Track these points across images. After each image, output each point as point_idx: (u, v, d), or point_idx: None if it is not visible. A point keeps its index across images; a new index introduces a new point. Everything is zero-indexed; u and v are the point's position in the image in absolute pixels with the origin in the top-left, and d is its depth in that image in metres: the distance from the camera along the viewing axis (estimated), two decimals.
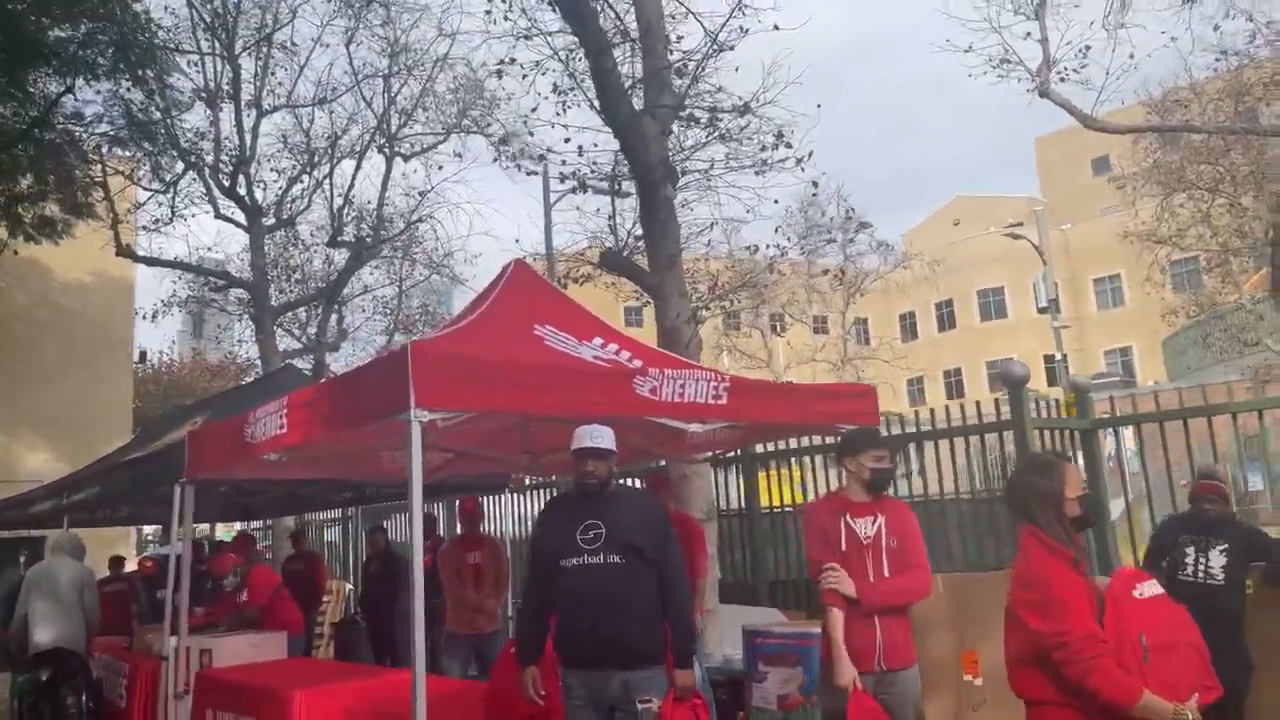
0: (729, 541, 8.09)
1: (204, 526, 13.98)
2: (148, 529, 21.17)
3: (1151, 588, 2.94)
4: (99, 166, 14.26)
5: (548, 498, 9.62)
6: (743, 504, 8.22)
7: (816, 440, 7.33)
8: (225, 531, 15.09)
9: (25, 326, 17.18)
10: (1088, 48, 11.57)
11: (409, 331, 20.31)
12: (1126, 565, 6.58)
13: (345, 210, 15.11)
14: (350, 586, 12.24)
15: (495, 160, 9.03)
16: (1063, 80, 11.53)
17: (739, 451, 7.89)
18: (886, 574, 3.80)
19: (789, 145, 7.05)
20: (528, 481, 9.24)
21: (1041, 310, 21.74)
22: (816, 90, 8.17)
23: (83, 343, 17.58)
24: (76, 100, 11.96)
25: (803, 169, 7.12)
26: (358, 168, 15.40)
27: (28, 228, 14.30)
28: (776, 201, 12.49)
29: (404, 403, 3.62)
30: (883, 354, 28.64)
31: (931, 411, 6.85)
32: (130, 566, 12.35)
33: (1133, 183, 19.05)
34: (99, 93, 12.62)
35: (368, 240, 15.11)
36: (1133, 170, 19.75)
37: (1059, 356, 20.28)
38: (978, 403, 6.74)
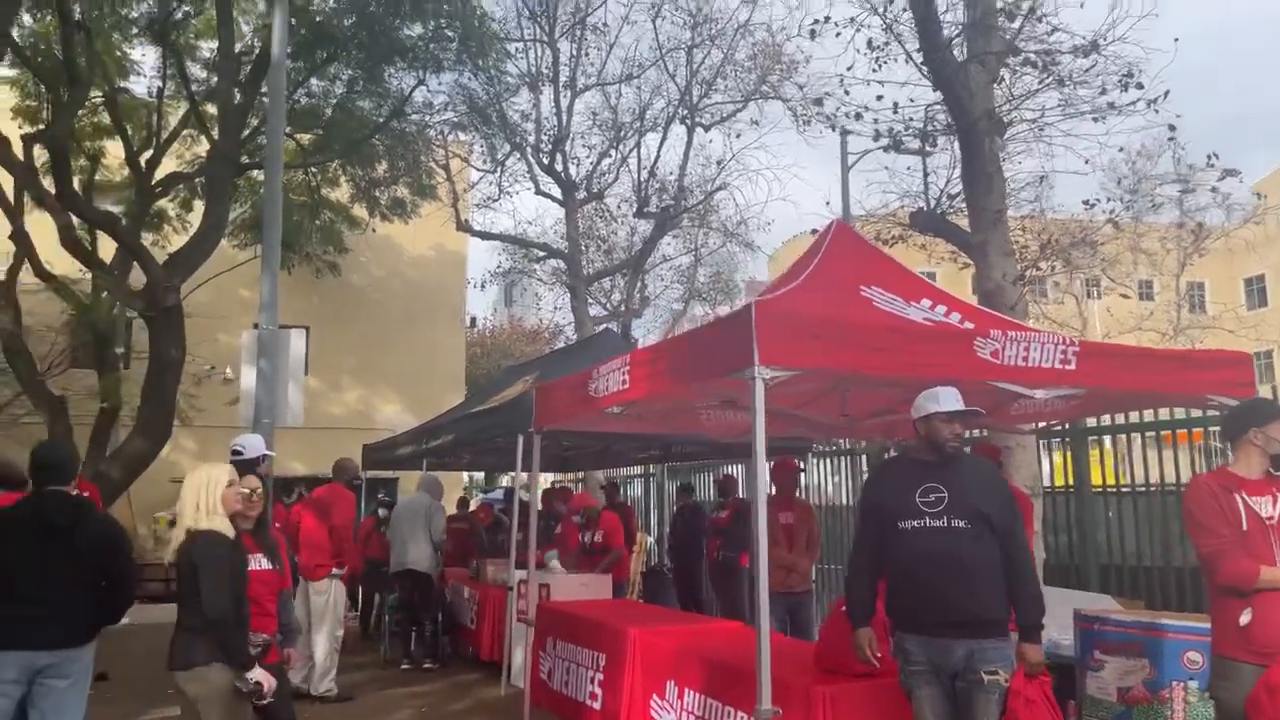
0: (1050, 520, 7.57)
1: (523, 475, 15.36)
2: (474, 475, 23.64)
3: None
4: (441, 151, 15.97)
5: (844, 464, 9.56)
6: (1068, 481, 7.65)
7: (1149, 415, 6.67)
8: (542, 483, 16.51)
9: (380, 295, 19.75)
10: None
11: (704, 299, 20.87)
12: None
13: (650, 182, 15.77)
14: (651, 539, 12.92)
15: (803, 118, 8.91)
16: None
17: (1065, 425, 7.34)
18: None
19: (1140, 86, 6.33)
20: (824, 448, 9.22)
21: None
22: (1170, 20, 7.24)
23: (424, 309, 19.90)
24: (428, 90, 13.42)
25: (1156, 111, 6.37)
26: (663, 140, 16.01)
27: (383, 208, 16.39)
28: (1122, 150, 11.30)
29: (748, 360, 3.74)
30: (1225, 323, 25.16)
31: None
32: (471, 507, 13.90)
33: None
34: (440, 83, 14.11)
35: (671, 210, 15.68)
36: None
37: None
38: None
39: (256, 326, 8.11)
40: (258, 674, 3.68)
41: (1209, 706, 4.89)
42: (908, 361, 4.02)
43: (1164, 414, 6.71)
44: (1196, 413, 6.44)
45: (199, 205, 14.14)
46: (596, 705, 5.94)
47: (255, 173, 13.77)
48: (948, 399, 3.65)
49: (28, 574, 4.01)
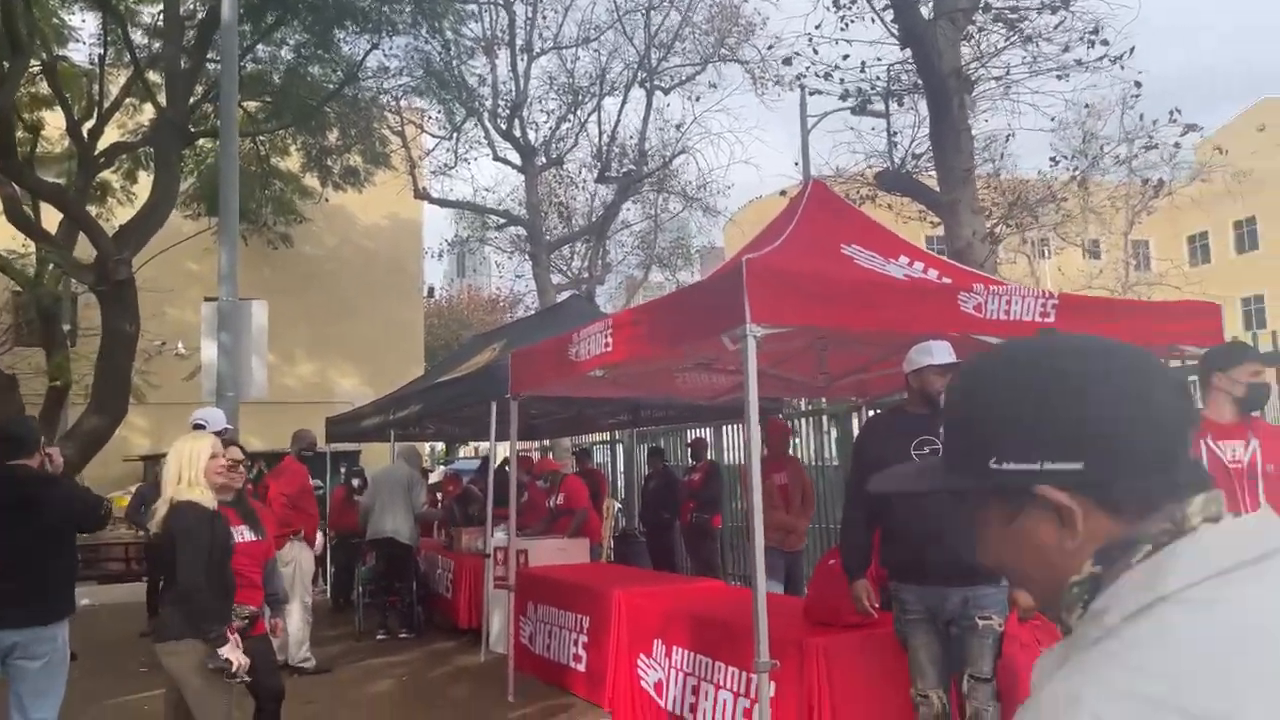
0: None
1: (483, 444, 15.27)
2: (435, 446, 23.46)
3: None
4: (396, 117, 15.59)
5: (805, 425, 9.63)
6: None
7: None
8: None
9: (334, 266, 19.37)
10: None
11: (664, 265, 20.82)
12: None
13: (610, 147, 15.62)
14: (618, 505, 12.95)
15: (762, 80, 8.81)
16: None
17: None
18: (1262, 503, 3.49)
19: (1105, 42, 6.39)
20: (804, 407, 9.28)
21: None
22: None
23: (380, 280, 19.57)
24: (384, 55, 13.09)
25: (1121, 68, 6.45)
26: (623, 104, 15.89)
27: (335, 177, 15.99)
28: (1088, 106, 11.49)
29: (739, 318, 3.72)
30: (1171, 279, 25.80)
31: (1274, 334, 6.11)
32: (434, 478, 13.81)
33: None
34: (394, 47, 13.75)
35: (633, 175, 15.56)
36: None
37: None
38: None
39: (211, 299, 7.91)
40: (228, 651, 3.58)
41: None
42: (895, 317, 4.05)
43: None
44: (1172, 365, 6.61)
45: (144, 177, 13.67)
46: (581, 667, 5.97)
47: (202, 142, 13.34)
48: (941, 352, 3.68)
49: None
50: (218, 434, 5.13)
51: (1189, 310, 4.98)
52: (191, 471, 3.70)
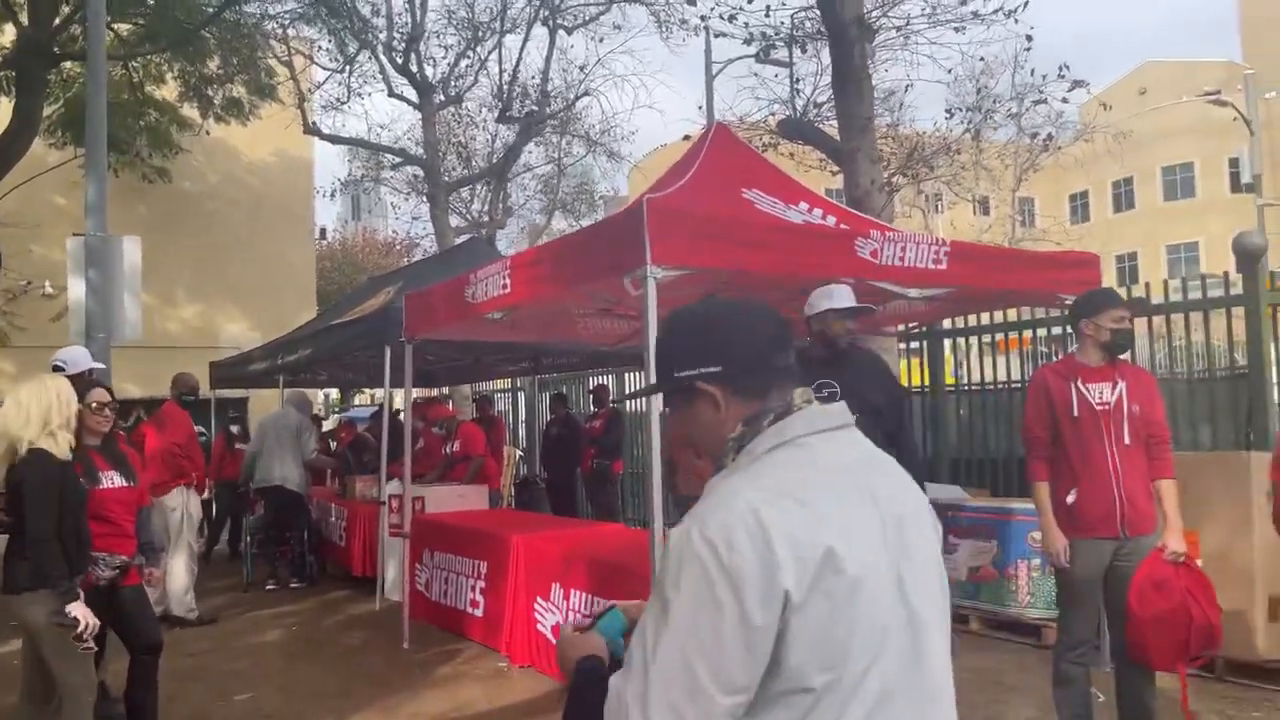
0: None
1: (379, 391, 14.91)
2: (330, 393, 22.81)
3: None
4: (283, 46, 14.72)
5: None
6: (925, 380, 8.06)
7: (999, 317, 7.11)
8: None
9: (218, 204, 18.34)
10: None
11: (568, 211, 20.52)
12: None
13: (512, 86, 15.16)
14: (520, 452, 12.87)
15: (667, 23, 8.65)
16: None
17: (924, 327, 7.69)
18: (1127, 441, 3.65)
19: None
20: None
21: (1246, 188, 19.77)
22: None
23: (268, 220, 18.64)
24: None
25: (1015, 21, 6.58)
26: (525, 41, 15.36)
27: (216, 109, 15.04)
28: (983, 59, 11.70)
29: (639, 259, 3.66)
30: (1053, 236, 26.94)
31: (1146, 285, 6.45)
32: (328, 425, 13.40)
33: None
34: None
35: (535, 116, 15.16)
36: None
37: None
38: (1202, 277, 6.28)
39: (80, 235, 7.40)
40: (76, 609, 3.34)
41: (1049, 580, 5.35)
42: (794, 260, 4.06)
43: (1011, 316, 7.14)
44: (1042, 314, 6.90)
45: (5, 103, 12.62)
46: (478, 612, 5.93)
47: (68, 64, 12.36)
48: (841, 296, 3.71)
49: None
50: (85, 375, 4.80)
51: (1072, 260, 5.16)
52: (63, 415, 3.43)
